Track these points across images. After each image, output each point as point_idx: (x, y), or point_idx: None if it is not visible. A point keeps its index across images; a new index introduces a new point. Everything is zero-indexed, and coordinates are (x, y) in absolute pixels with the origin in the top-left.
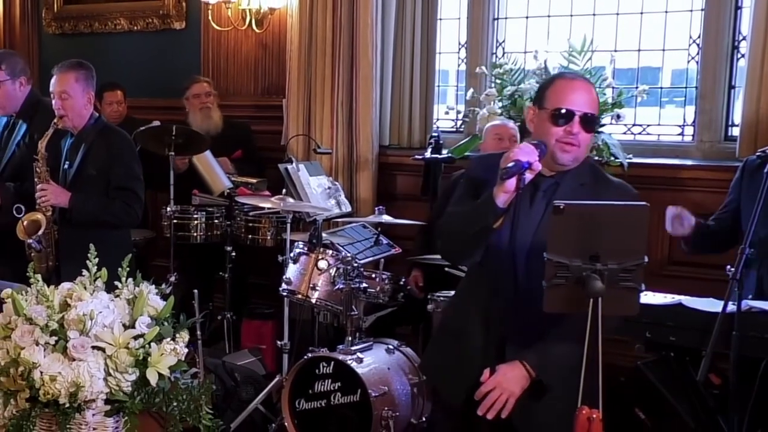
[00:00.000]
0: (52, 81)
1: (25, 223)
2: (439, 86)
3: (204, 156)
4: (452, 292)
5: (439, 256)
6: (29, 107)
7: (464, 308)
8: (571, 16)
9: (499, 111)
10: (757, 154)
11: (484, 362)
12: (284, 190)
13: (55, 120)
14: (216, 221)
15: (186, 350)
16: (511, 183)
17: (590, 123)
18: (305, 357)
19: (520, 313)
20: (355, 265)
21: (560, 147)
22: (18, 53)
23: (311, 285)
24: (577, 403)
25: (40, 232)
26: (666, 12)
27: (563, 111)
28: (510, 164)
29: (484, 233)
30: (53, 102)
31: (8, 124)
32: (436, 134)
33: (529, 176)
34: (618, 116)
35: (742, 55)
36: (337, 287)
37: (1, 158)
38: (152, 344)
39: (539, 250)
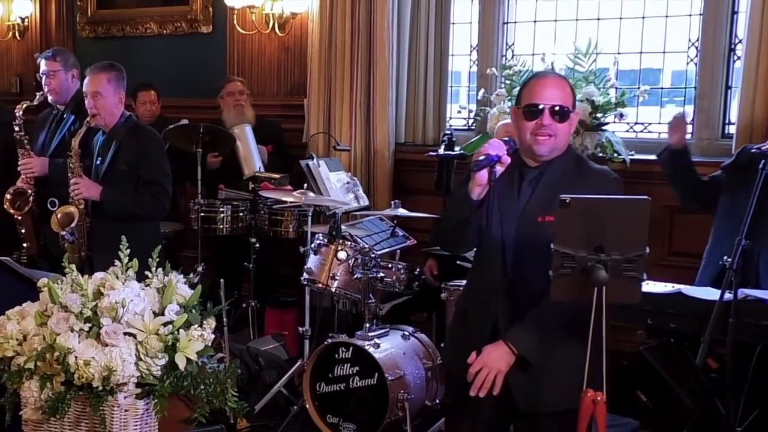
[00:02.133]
0: (86, 81)
1: (58, 215)
2: (451, 87)
3: (244, 131)
4: (465, 281)
5: None
6: (77, 102)
7: (468, 292)
8: (577, 20)
9: (509, 110)
10: (757, 146)
11: (479, 344)
12: (306, 185)
13: (88, 119)
14: (241, 214)
15: (213, 336)
16: (483, 176)
17: (560, 114)
18: (325, 342)
19: (509, 298)
20: (373, 255)
21: (534, 140)
22: (69, 51)
23: (331, 274)
24: (578, 380)
25: (73, 224)
26: (666, 16)
27: (532, 106)
28: (480, 158)
29: (462, 225)
30: (86, 101)
31: (56, 117)
32: (449, 132)
33: (500, 169)
34: (621, 115)
35: (739, 58)
36: (355, 277)
37: (50, 145)
38: (181, 331)
39: (524, 237)
